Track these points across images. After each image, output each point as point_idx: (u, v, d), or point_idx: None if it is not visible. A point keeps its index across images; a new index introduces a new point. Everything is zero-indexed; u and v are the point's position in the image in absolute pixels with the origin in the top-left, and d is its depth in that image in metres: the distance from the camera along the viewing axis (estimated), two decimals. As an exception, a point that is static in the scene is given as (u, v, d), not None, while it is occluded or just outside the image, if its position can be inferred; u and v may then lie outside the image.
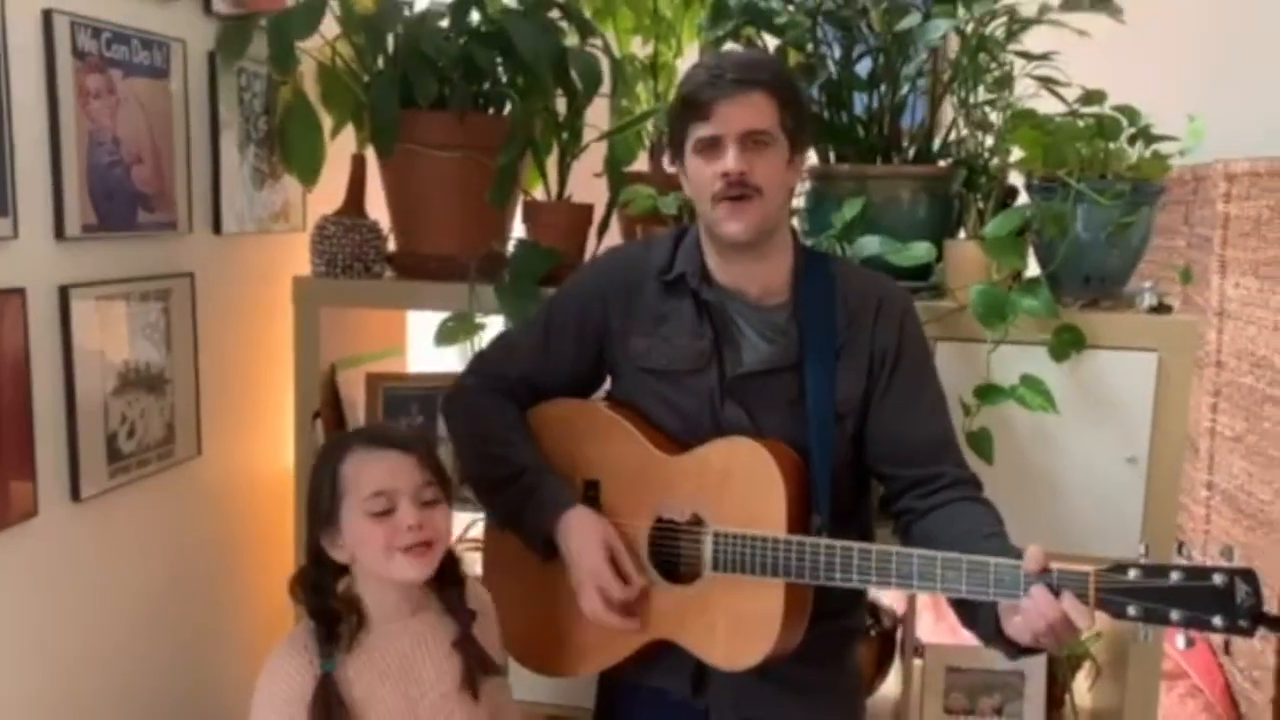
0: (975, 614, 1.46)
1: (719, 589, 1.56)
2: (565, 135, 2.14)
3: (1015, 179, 1.98)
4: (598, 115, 2.18)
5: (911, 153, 2.04)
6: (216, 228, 2.00)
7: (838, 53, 2.04)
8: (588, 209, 2.14)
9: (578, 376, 1.73)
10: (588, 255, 2.11)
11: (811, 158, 2.03)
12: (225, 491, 2.07)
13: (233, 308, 2.07)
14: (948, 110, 2.06)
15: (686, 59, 2.11)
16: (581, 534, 1.58)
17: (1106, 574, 1.33)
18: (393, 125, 2.02)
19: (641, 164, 2.23)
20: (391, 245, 2.17)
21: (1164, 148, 1.82)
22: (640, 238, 1.98)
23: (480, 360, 1.79)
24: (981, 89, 1.96)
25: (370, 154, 2.12)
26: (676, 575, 1.60)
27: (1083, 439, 1.82)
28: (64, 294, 1.62)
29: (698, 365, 1.62)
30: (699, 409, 1.62)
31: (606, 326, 1.68)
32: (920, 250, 1.88)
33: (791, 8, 2.00)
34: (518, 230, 2.18)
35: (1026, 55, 1.93)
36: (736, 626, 1.55)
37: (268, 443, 2.19)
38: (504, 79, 2.11)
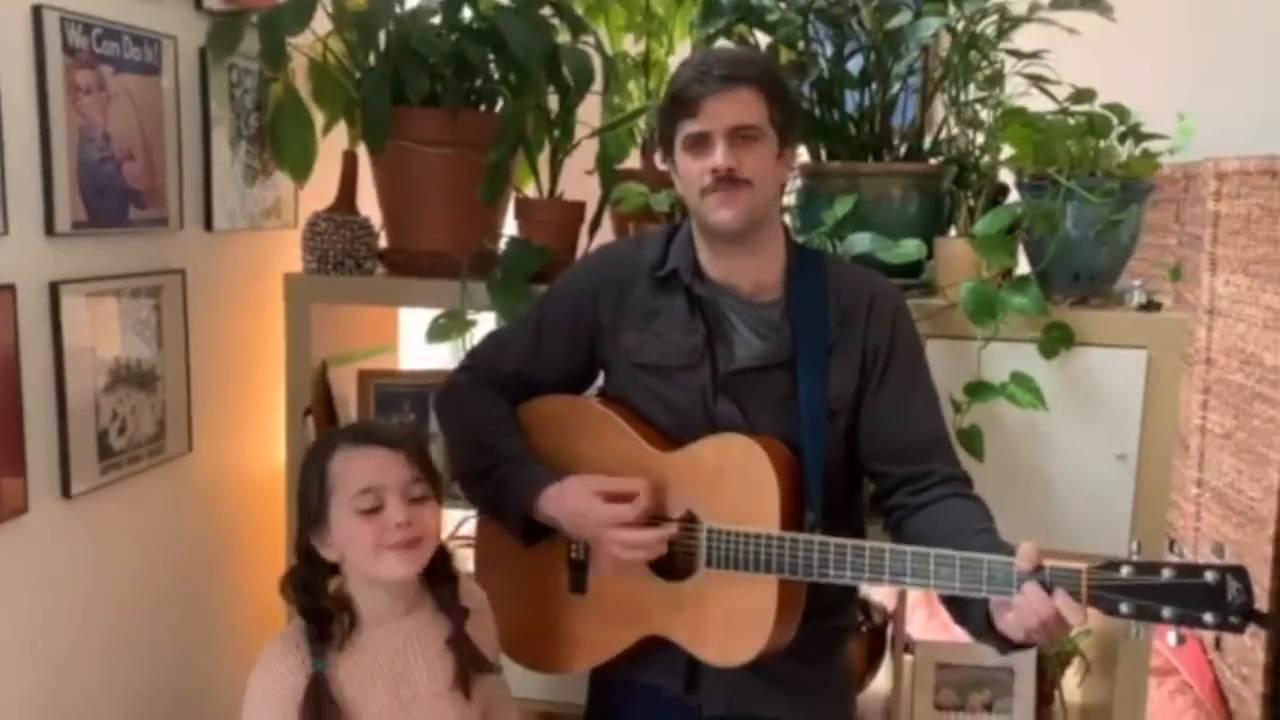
0: (966, 610, 1.46)
1: (712, 586, 1.56)
2: (557, 132, 2.14)
3: (1006, 177, 1.99)
4: (589, 112, 2.18)
5: (902, 150, 2.04)
6: (208, 224, 1.99)
7: (829, 50, 2.04)
8: (579, 206, 2.14)
9: (570, 373, 1.73)
10: (579, 252, 2.11)
11: (803, 155, 2.04)
12: (216, 488, 2.07)
13: (224, 304, 2.06)
14: (939, 108, 2.06)
15: (678, 56, 2.11)
16: (566, 498, 1.57)
17: (1099, 571, 1.34)
18: (384, 122, 2.02)
19: (633, 161, 2.23)
20: (383, 242, 2.17)
21: (1154, 146, 1.83)
22: (632, 234, 1.98)
23: (473, 356, 1.79)
24: (972, 87, 1.97)
25: (362, 151, 2.12)
26: (670, 572, 1.60)
27: (1073, 436, 1.83)
28: (54, 290, 1.62)
29: (690, 361, 1.62)
30: (691, 405, 1.62)
31: (598, 323, 1.68)
32: (911, 248, 1.88)
33: (783, 5, 2.01)
34: (509, 227, 2.18)
35: (1017, 53, 1.94)
36: (730, 623, 1.55)
37: (259, 440, 2.19)
38: (496, 76, 2.11)
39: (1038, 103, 1.90)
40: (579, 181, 2.17)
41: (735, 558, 1.53)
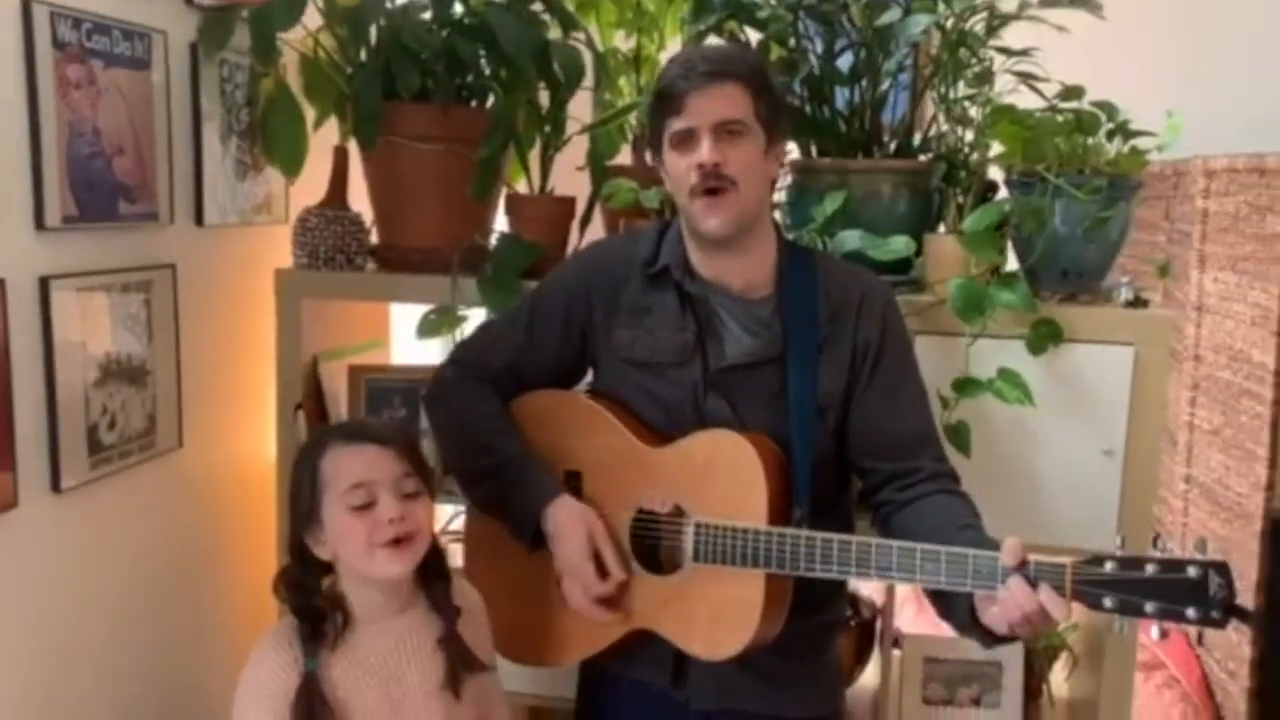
0: (951, 604, 1.47)
1: (700, 580, 1.57)
2: (548, 128, 2.15)
3: (995, 174, 1.99)
4: (580, 108, 2.18)
5: (892, 147, 2.05)
6: (198, 219, 1.99)
7: (819, 47, 2.04)
8: (570, 202, 2.15)
9: (561, 368, 1.74)
10: (570, 249, 2.12)
11: (793, 151, 2.05)
12: (207, 483, 2.07)
13: (214, 299, 2.06)
14: (928, 105, 2.07)
15: (669, 53, 2.11)
16: (565, 525, 1.59)
17: (1083, 566, 1.35)
18: (375, 117, 2.02)
19: (624, 157, 2.23)
20: (374, 237, 2.17)
21: (1142, 143, 1.84)
22: (624, 231, 1.99)
23: (462, 350, 1.79)
24: (962, 84, 1.98)
25: (353, 146, 2.12)
26: (658, 566, 1.61)
27: (1060, 432, 1.83)
28: (44, 285, 1.62)
29: (681, 358, 1.63)
30: (682, 401, 1.63)
31: (591, 318, 1.69)
32: (900, 244, 1.89)
33: (773, 2, 2.01)
34: (500, 223, 2.18)
35: (1006, 51, 1.95)
36: (717, 617, 1.56)
37: (249, 435, 2.19)
38: (487, 72, 2.11)
39: (1027, 100, 1.90)
40: (570, 177, 2.17)
41: (723, 552, 1.54)
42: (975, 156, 1.98)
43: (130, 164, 1.79)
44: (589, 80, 2.15)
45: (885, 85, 2.02)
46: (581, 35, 2.17)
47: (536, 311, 1.73)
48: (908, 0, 1.94)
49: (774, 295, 1.63)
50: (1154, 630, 1.36)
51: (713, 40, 2.00)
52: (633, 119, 2.17)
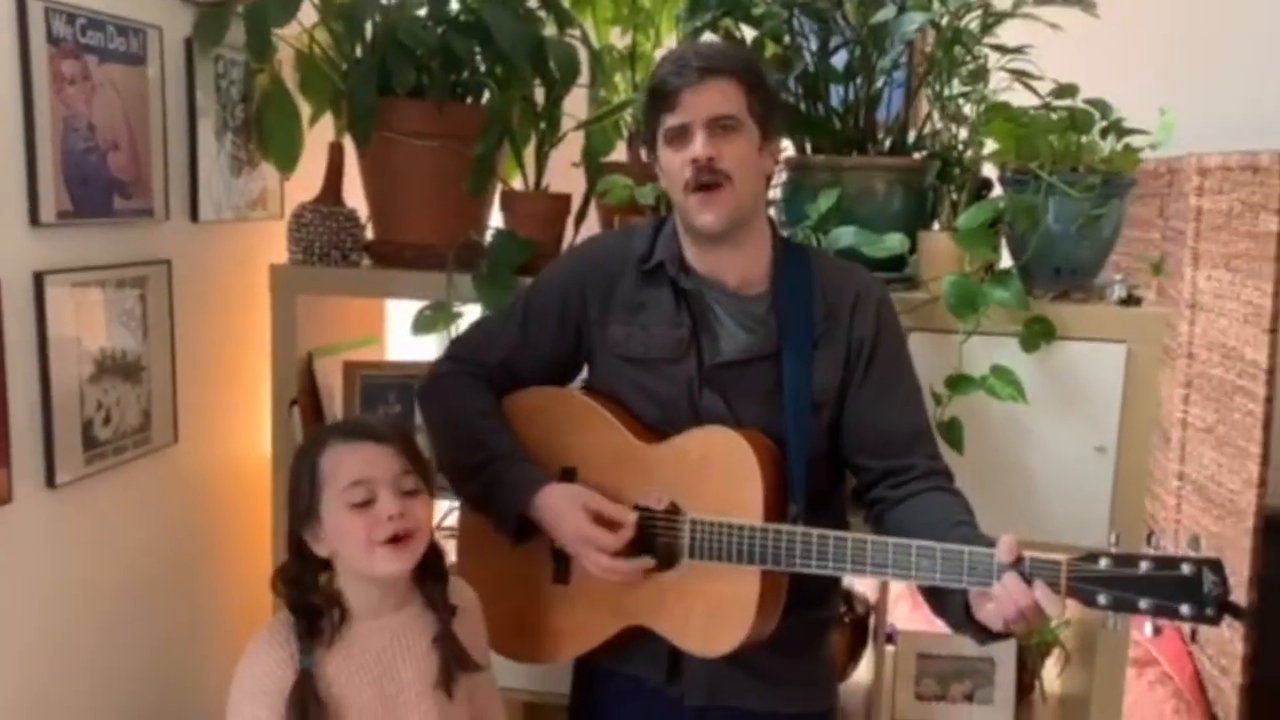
0: (946, 601, 1.48)
1: (695, 576, 1.57)
2: (543, 125, 2.15)
3: (989, 171, 2.00)
4: (576, 105, 2.18)
5: (887, 144, 2.05)
6: (193, 215, 1.99)
7: (814, 45, 2.05)
8: (565, 199, 2.15)
9: (556, 364, 1.74)
10: (565, 245, 2.12)
11: (788, 149, 2.05)
12: (202, 479, 2.07)
13: (210, 295, 2.06)
14: (923, 103, 2.07)
15: (665, 49, 2.12)
16: (558, 505, 1.58)
17: (1078, 563, 1.36)
18: (370, 114, 2.02)
19: (619, 154, 2.24)
20: (369, 234, 2.17)
21: (1135, 141, 1.84)
22: (619, 227, 1.99)
23: (457, 347, 1.80)
24: (956, 82, 1.98)
25: (348, 142, 2.12)
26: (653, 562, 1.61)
27: (1052, 429, 1.84)
28: (39, 280, 1.62)
29: (676, 354, 1.63)
30: (677, 397, 1.63)
31: (586, 314, 1.69)
32: (894, 242, 1.89)
33: (768, -1, 2.01)
34: (495, 220, 2.18)
35: (1001, 49, 1.95)
36: (712, 613, 1.56)
37: (244, 430, 2.19)
38: (482, 68, 2.11)
39: (1021, 98, 1.91)
40: (565, 174, 2.18)
41: (718, 549, 1.55)
42: (969, 154, 1.99)
43: (125, 160, 1.79)
44: (584, 77, 2.15)
45: (880, 83, 2.02)
46: (577, 32, 2.17)
47: (531, 308, 1.73)
48: (902, -2, 1.94)
49: (769, 292, 1.64)
50: (1147, 627, 1.37)
51: (708, 37, 2.00)
52: (628, 115, 2.17)
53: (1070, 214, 1.82)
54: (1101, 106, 1.85)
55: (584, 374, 1.77)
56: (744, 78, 1.54)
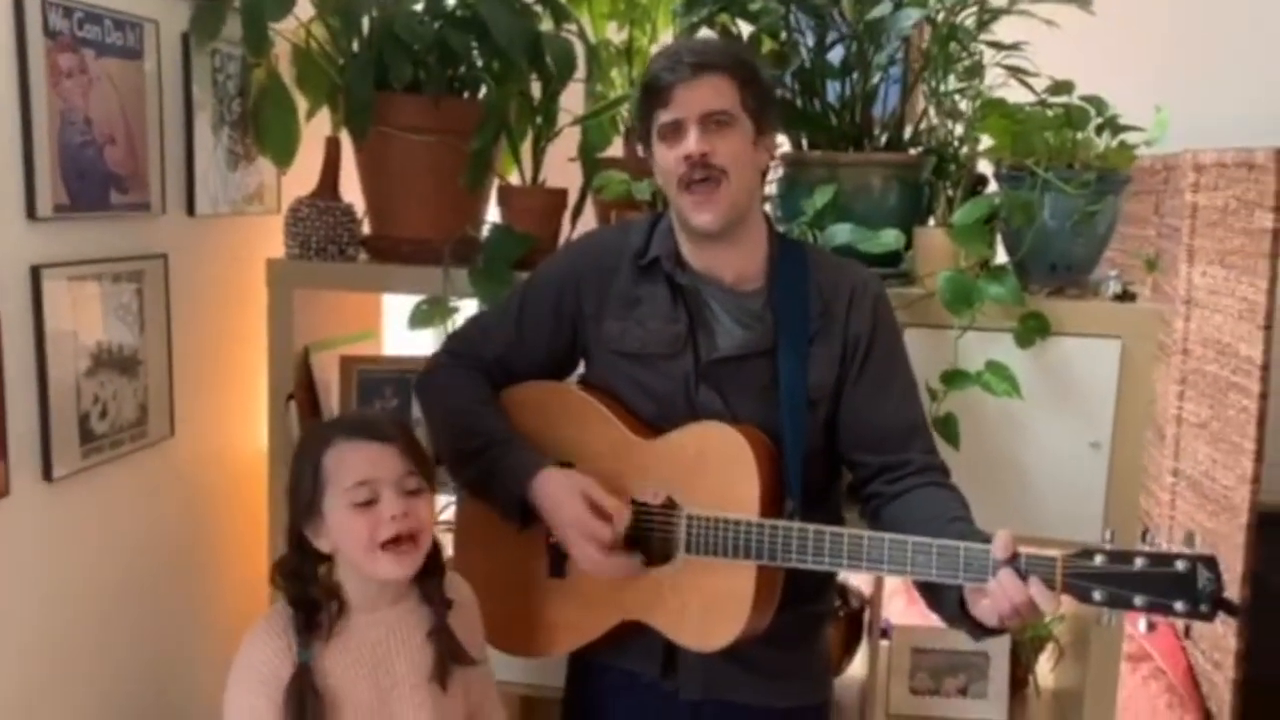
0: (941, 596, 1.48)
1: (691, 571, 1.58)
2: (540, 120, 2.15)
3: (984, 167, 2.00)
4: (572, 100, 2.19)
5: (883, 140, 2.05)
6: (190, 209, 1.99)
7: (811, 40, 2.05)
8: (562, 194, 2.15)
9: (552, 359, 1.74)
10: (562, 240, 2.12)
11: (784, 144, 2.05)
12: (198, 473, 2.08)
13: (206, 289, 2.07)
14: (919, 99, 2.08)
15: (661, 44, 2.12)
16: (555, 491, 1.58)
17: (1073, 559, 1.36)
18: (367, 108, 2.02)
19: (616, 149, 2.24)
20: (366, 228, 2.18)
21: (1130, 138, 1.84)
22: (616, 222, 1.99)
23: (454, 340, 1.80)
24: (952, 78, 1.98)
25: (345, 137, 2.12)
26: (650, 557, 1.61)
27: (1047, 424, 1.84)
28: (36, 274, 1.62)
29: (672, 349, 1.63)
30: (673, 393, 1.63)
31: (582, 310, 1.69)
32: (890, 237, 1.90)
33: (765, -5, 2.01)
34: (492, 215, 2.18)
35: (997, 45, 1.95)
36: (708, 608, 1.57)
37: (241, 425, 2.20)
38: (479, 63, 2.11)
39: (1016, 94, 1.91)
40: (561, 169, 2.18)
41: (714, 544, 1.55)
42: (965, 150, 1.99)
43: (122, 153, 1.79)
44: (581, 72, 2.15)
45: (876, 79, 2.02)
46: (574, 27, 2.17)
47: (527, 303, 1.73)
48: (899, -7, 1.95)
49: (765, 288, 1.64)
50: (1141, 623, 1.37)
51: (705, 33, 2.01)
52: (625, 111, 2.17)
53: (1065, 210, 1.82)
54: (1097, 103, 1.85)
55: (581, 369, 1.78)
56: (737, 73, 1.54)
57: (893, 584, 2.47)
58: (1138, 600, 1.33)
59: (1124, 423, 1.83)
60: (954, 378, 1.80)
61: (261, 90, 2.09)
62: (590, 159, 2.14)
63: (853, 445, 1.64)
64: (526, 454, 1.62)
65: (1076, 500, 1.84)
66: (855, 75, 2.02)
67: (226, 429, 2.16)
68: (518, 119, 2.14)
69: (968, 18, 1.96)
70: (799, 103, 2.07)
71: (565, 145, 2.17)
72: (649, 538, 1.61)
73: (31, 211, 1.60)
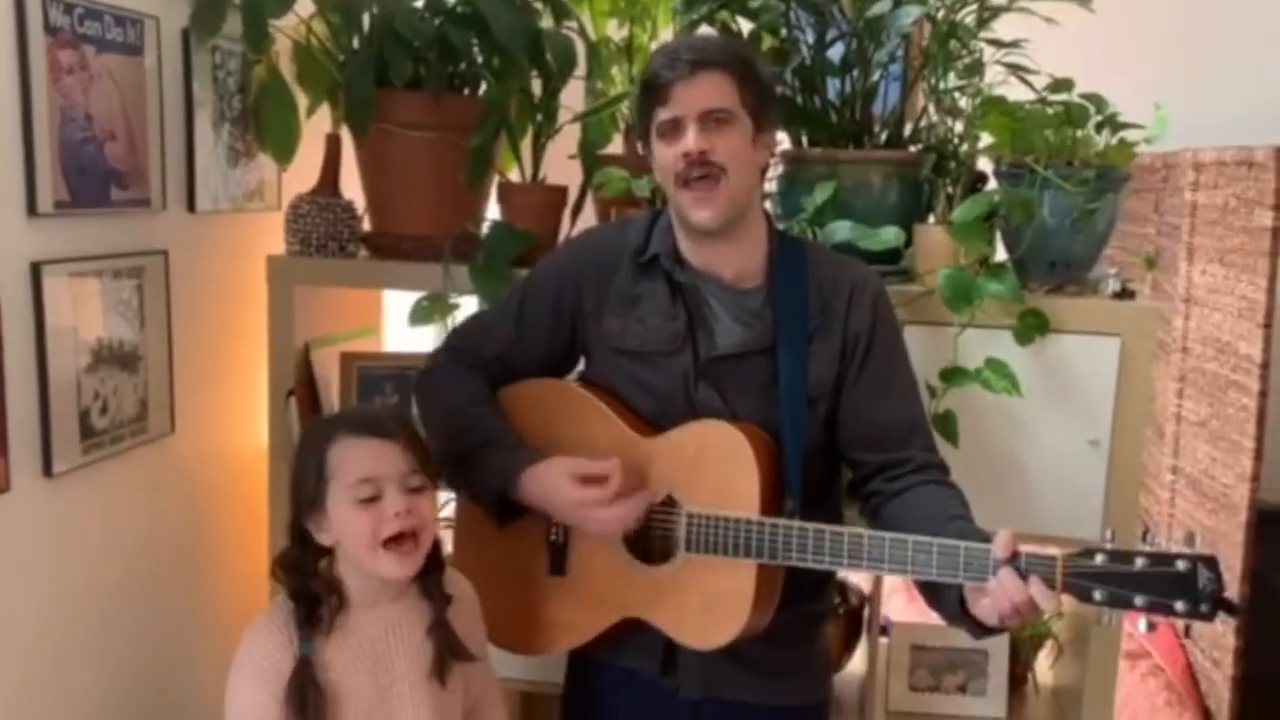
0: (941, 594, 1.49)
1: (691, 569, 1.58)
2: (540, 117, 2.15)
3: (984, 165, 2.00)
4: (573, 97, 2.19)
5: (883, 138, 2.06)
6: (191, 206, 1.99)
7: (811, 37, 2.05)
8: (562, 191, 2.15)
9: (552, 356, 1.74)
10: (562, 237, 2.12)
11: (784, 142, 2.05)
12: (198, 468, 2.08)
13: (207, 286, 2.07)
14: (919, 96, 2.08)
15: (661, 41, 2.12)
16: (545, 481, 1.58)
17: (1073, 559, 1.36)
18: (368, 105, 2.02)
19: (616, 146, 2.24)
20: (366, 225, 2.18)
21: (1130, 135, 1.85)
22: (616, 219, 1.99)
23: (454, 338, 1.80)
24: (952, 75, 1.98)
25: (345, 134, 2.12)
26: (650, 555, 1.62)
27: (1046, 422, 1.85)
28: (36, 270, 1.62)
29: (671, 347, 1.63)
30: (673, 390, 1.63)
31: (581, 307, 1.69)
32: (890, 235, 1.90)
33: (765, -9, 2.01)
34: (492, 211, 2.18)
35: (997, 43, 1.95)
36: (708, 606, 1.57)
37: (241, 421, 2.20)
38: (479, 60, 2.11)
39: (1016, 92, 1.91)
40: (561, 166, 2.18)
41: (714, 542, 1.55)
42: (965, 147, 1.99)
43: (122, 150, 1.79)
44: (581, 69, 2.15)
45: (876, 76, 2.02)
46: (574, 24, 2.17)
47: (527, 300, 1.73)
48: (899, -10, 1.95)
49: (765, 285, 1.64)
50: (1141, 624, 1.37)
51: (705, 30, 2.01)
52: (625, 108, 2.17)
53: (1065, 208, 1.82)
54: (1097, 101, 1.85)
55: (580, 366, 1.78)
56: (736, 70, 1.54)
57: (892, 581, 2.47)
58: (1138, 600, 1.33)
59: (1123, 420, 1.83)
60: (953, 375, 1.80)
61: (262, 87, 2.09)
62: (590, 156, 2.14)
63: (853, 443, 1.65)
64: (510, 454, 1.62)
65: (1075, 498, 1.85)
66: (855, 72, 2.02)
67: (227, 425, 2.16)
68: (518, 116, 2.14)
69: (968, 15, 1.96)
70: (799, 100, 2.07)
71: (565, 142, 2.17)
72: (649, 536, 1.61)
73: (32, 208, 1.60)
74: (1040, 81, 1.89)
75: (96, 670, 1.83)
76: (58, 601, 1.73)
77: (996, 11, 1.95)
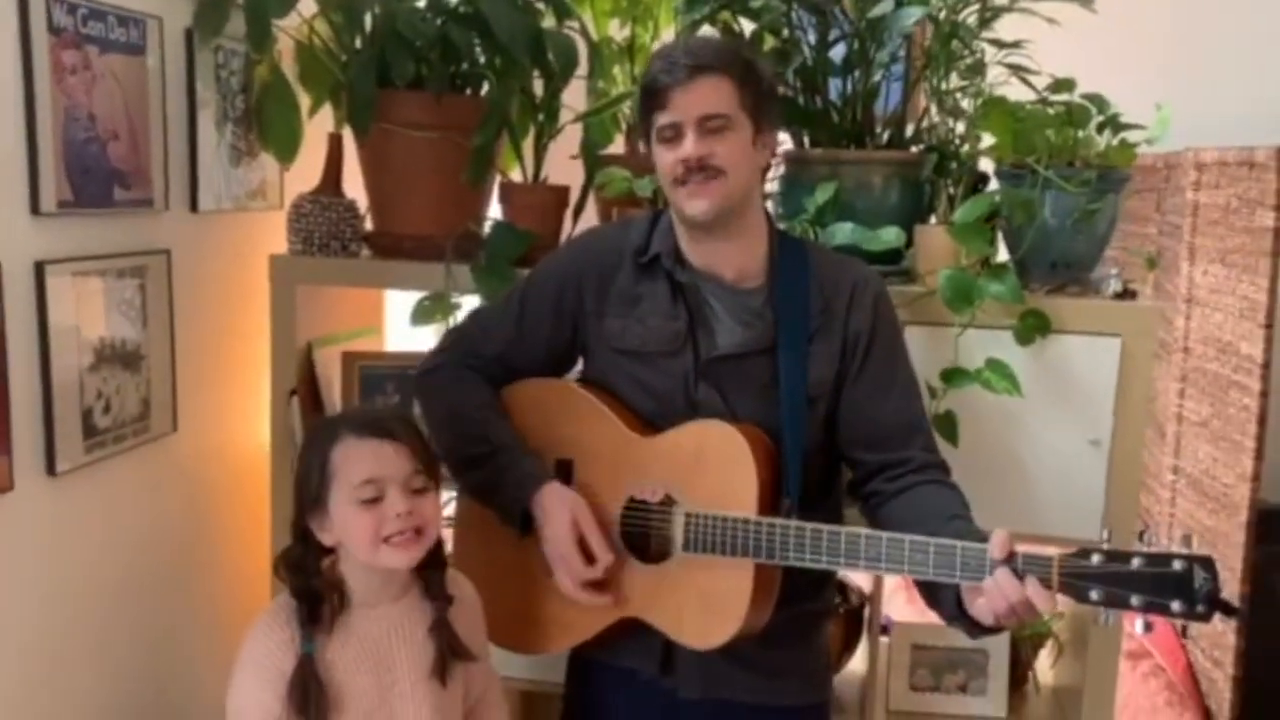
0: (938, 594, 1.49)
1: (689, 569, 1.58)
2: (541, 117, 2.15)
3: (985, 165, 2.00)
4: (574, 97, 2.19)
5: (884, 138, 2.06)
6: (193, 205, 2.00)
7: (812, 38, 2.05)
8: (563, 191, 2.15)
9: (552, 356, 1.74)
10: (563, 237, 2.12)
11: (786, 142, 2.05)
12: (200, 468, 2.08)
13: (209, 285, 2.07)
14: (921, 97, 2.08)
15: (663, 41, 2.12)
16: (551, 511, 1.59)
17: (1070, 559, 1.36)
18: (370, 105, 2.02)
19: (618, 146, 2.24)
20: (368, 224, 2.18)
21: (1131, 136, 1.85)
22: (617, 219, 1.99)
23: (454, 337, 1.80)
24: (954, 76, 1.98)
25: (347, 133, 2.13)
26: (648, 555, 1.62)
27: (1047, 422, 1.85)
28: (39, 270, 1.62)
29: (672, 347, 1.63)
30: (673, 390, 1.64)
31: (582, 307, 1.69)
32: (891, 235, 1.90)
33: (767, -8, 2.01)
34: (494, 211, 2.19)
35: (998, 43, 1.95)
36: (706, 605, 1.57)
37: (243, 420, 2.20)
38: (481, 60, 2.11)
39: (1018, 92, 1.91)
40: (563, 166, 2.18)
41: (712, 541, 1.55)
42: (966, 148, 1.99)
43: (125, 149, 1.80)
44: (583, 69, 2.15)
45: (878, 76, 2.02)
46: (576, 24, 2.17)
47: (527, 300, 1.73)
48: (901, -9, 1.95)
49: (766, 285, 1.64)
50: (1139, 624, 1.37)
51: (706, 30, 2.01)
52: (626, 108, 2.18)
53: (1066, 208, 1.82)
54: (1098, 101, 1.85)
55: (580, 366, 1.78)
56: (734, 72, 1.53)
57: (893, 581, 2.47)
58: (1134, 600, 1.33)
59: (1124, 421, 1.83)
60: (954, 375, 1.81)
61: (264, 86, 2.09)
62: (592, 156, 2.14)
63: (853, 443, 1.65)
64: (530, 465, 1.63)
65: (1076, 498, 1.85)
66: (857, 73, 2.02)
67: (229, 424, 2.17)
68: (520, 116, 2.14)
69: (969, 16, 1.96)
70: (800, 100, 2.08)
71: (567, 142, 2.18)
72: (647, 535, 1.62)
73: (35, 207, 1.61)
74: (1042, 82, 1.90)
75: (98, 669, 1.84)
76: (60, 600, 1.74)
77: (998, 12, 1.95)
